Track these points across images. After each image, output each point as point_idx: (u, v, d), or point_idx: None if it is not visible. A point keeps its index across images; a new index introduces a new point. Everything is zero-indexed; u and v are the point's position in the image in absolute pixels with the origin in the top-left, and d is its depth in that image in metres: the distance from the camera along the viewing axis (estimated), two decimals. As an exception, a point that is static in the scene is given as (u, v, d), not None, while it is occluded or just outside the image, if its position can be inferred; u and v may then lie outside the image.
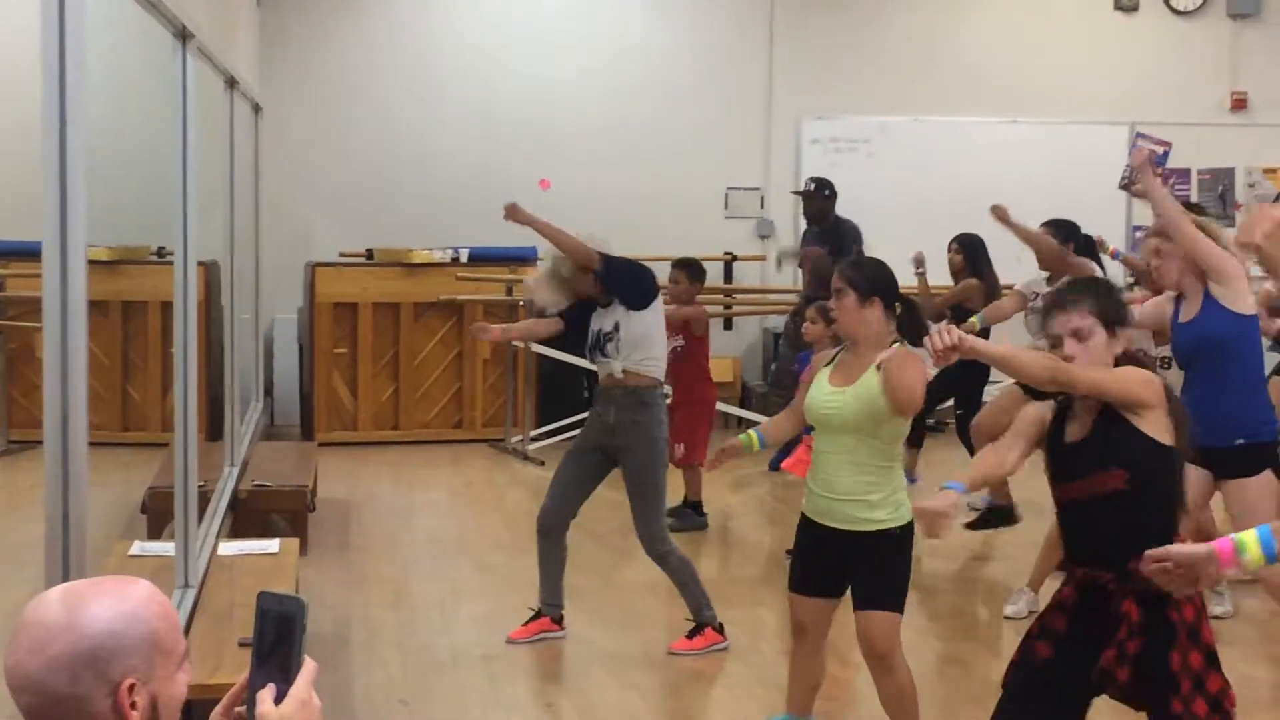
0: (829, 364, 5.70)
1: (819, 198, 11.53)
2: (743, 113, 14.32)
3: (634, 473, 7.36)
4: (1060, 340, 4.40)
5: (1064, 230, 9.09)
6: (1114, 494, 4.27)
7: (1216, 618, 7.84)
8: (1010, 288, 9.80)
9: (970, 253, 10.44)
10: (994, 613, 8.17)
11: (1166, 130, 14.75)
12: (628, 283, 7.39)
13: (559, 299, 7.50)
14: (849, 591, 5.69)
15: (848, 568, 5.60)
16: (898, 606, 5.53)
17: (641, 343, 7.35)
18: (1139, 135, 14.53)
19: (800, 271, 12.02)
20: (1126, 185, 14.11)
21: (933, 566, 9.04)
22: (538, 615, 7.55)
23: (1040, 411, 4.54)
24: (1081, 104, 14.57)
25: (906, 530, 5.50)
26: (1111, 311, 4.41)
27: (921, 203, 14.15)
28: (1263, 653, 7.62)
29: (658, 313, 7.46)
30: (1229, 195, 14.79)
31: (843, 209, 13.76)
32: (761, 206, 14.37)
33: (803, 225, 12.04)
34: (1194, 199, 14.71)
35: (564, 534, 7.53)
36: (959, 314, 10.21)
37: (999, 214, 9.01)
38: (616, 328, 7.35)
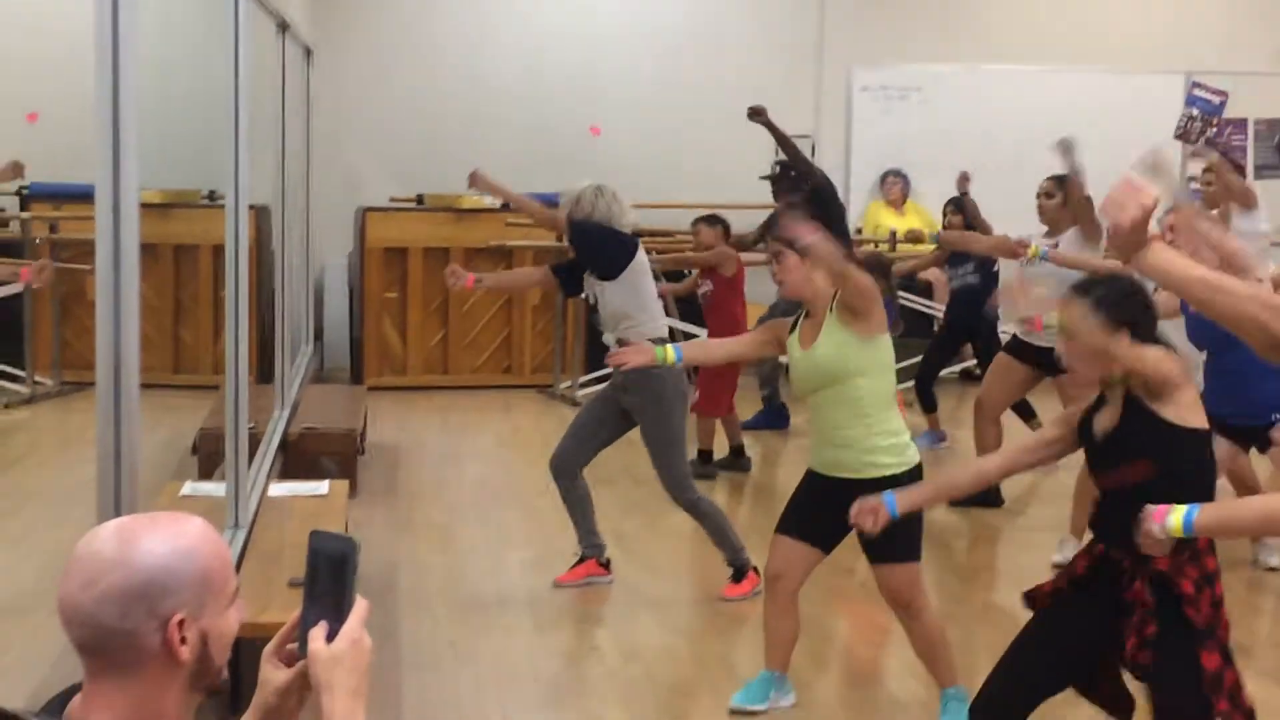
0: (793, 332, 5.70)
1: (786, 179, 11.18)
2: (793, 60, 14.25)
3: (647, 428, 7.38)
4: None
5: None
6: (1145, 483, 4.25)
7: (1272, 569, 7.85)
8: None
9: (969, 213, 10.58)
10: (1040, 561, 8.16)
11: (1223, 79, 14.67)
12: (593, 250, 7.38)
13: None
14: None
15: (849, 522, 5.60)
16: (914, 555, 5.53)
17: (622, 312, 7.37)
18: (1195, 85, 14.48)
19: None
20: (1182, 135, 14.03)
21: (976, 515, 9.03)
22: (583, 559, 7.58)
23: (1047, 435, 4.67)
24: (1136, 53, 14.43)
25: (913, 475, 5.49)
26: (1107, 312, 4.33)
27: (973, 151, 14.02)
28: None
29: (633, 282, 7.35)
30: (1286, 145, 14.66)
31: (893, 158, 13.74)
32: (812, 154, 14.26)
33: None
34: (1250, 150, 14.60)
35: (576, 476, 7.53)
36: (981, 264, 10.35)
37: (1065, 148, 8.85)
38: (597, 301, 7.43)
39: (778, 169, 11.19)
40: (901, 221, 13.64)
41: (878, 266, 5.73)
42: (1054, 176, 9.04)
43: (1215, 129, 14.63)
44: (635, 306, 7.34)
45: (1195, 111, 14.64)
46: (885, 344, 5.55)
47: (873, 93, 14.26)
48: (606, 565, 7.62)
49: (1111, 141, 14.06)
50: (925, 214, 13.58)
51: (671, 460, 7.37)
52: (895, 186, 13.93)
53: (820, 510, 5.61)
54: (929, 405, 10.73)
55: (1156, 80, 14.50)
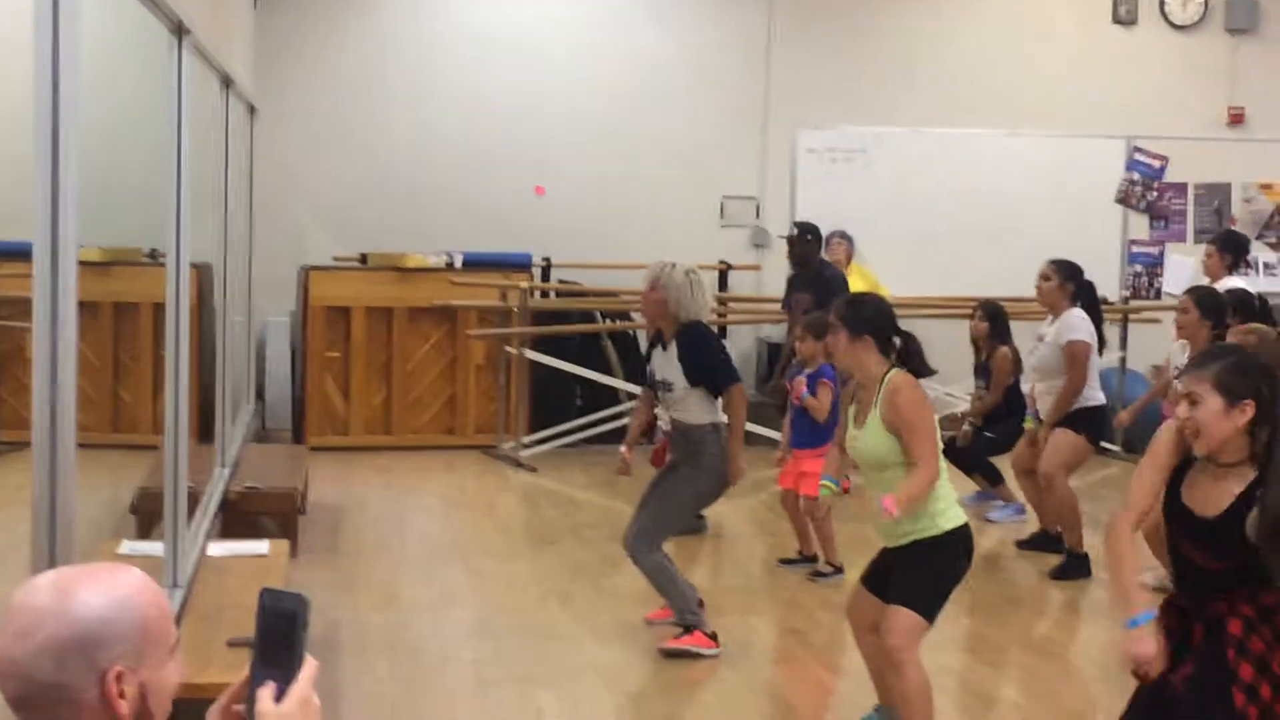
0: (852, 400, 5.91)
1: (802, 242, 11.58)
2: (739, 122, 14.29)
3: (674, 478, 7.48)
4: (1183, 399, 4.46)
5: (1065, 271, 9.26)
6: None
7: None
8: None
9: (995, 320, 10.49)
10: (1009, 634, 8.15)
11: (1164, 144, 14.85)
12: (703, 370, 7.39)
13: None
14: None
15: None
16: (918, 607, 5.61)
17: (685, 402, 7.43)
18: (1135, 149, 14.63)
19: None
20: (1123, 199, 14.15)
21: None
22: (687, 630, 7.45)
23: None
24: (1079, 117, 14.55)
25: (942, 539, 5.63)
26: (1233, 384, 4.37)
27: (917, 214, 14.15)
28: None
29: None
30: (1225, 210, 14.79)
31: (838, 219, 13.79)
32: (757, 216, 14.34)
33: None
34: (1190, 214, 14.75)
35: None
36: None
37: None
38: (669, 386, 7.45)
39: (794, 230, 11.74)
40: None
41: (911, 353, 5.86)
42: (1054, 260, 9.40)
43: (1155, 193, 14.78)
44: (696, 401, 7.41)
45: (1136, 175, 14.79)
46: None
47: (818, 154, 14.31)
48: (713, 637, 7.45)
49: (1053, 204, 14.21)
50: (870, 276, 13.61)
51: (663, 516, 7.45)
52: (840, 248, 13.95)
53: (884, 569, 5.85)
54: (993, 478, 10.69)
55: (1098, 144, 14.63)
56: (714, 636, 7.38)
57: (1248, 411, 4.34)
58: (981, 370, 10.56)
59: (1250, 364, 4.50)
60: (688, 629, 7.37)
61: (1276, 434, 4.35)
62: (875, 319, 5.77)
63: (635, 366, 12.53)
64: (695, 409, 7.39)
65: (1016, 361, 10.29)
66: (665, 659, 7.30)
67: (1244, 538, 4.29)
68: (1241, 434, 4.36)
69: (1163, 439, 4.56)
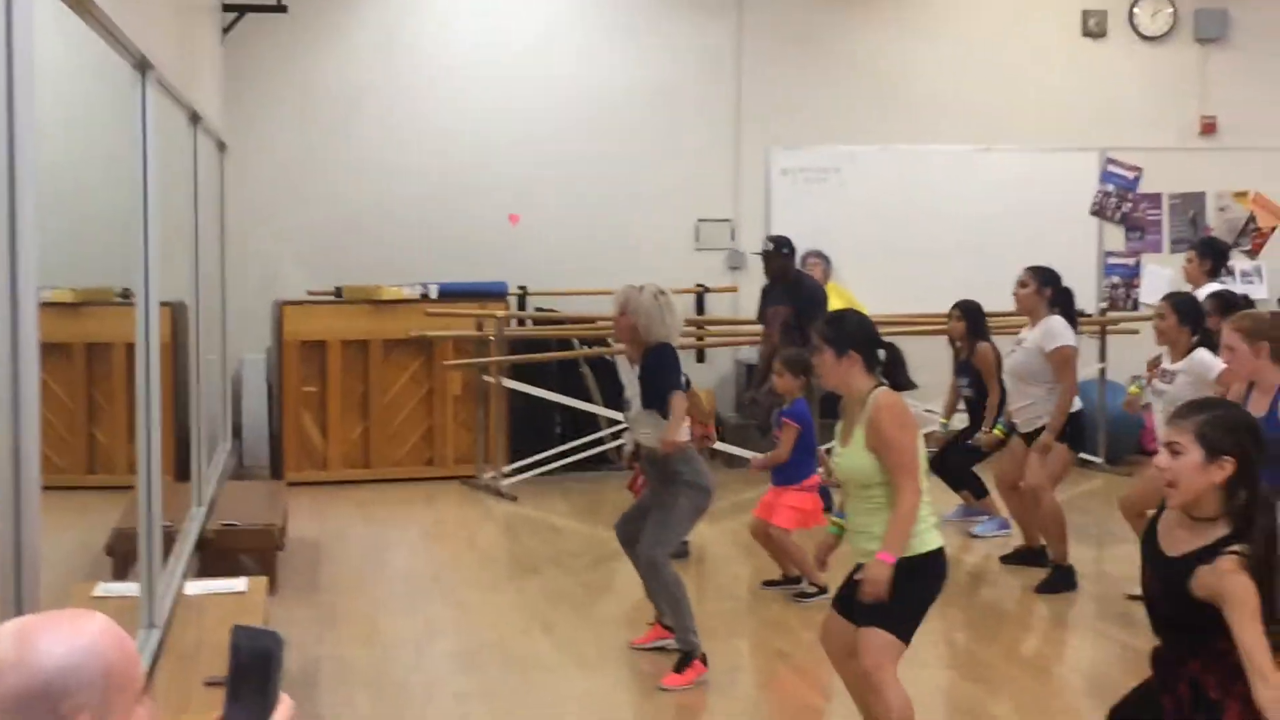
0: (843, 417, 5.84)
1: (778, 256, 11.53)
2: (712, 144, 14.27)
3: (667, 496, 7.43)
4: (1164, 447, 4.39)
5: (1042, 276, 9.30)
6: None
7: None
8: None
9: (972, 318, 10.54)
10: (996, 650, 8.10)
11: (1137, 155, 14.87)
12: (654, 393, 7.40)
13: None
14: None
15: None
16: (891, 627, 5.53)
17: (640, 422, 7.48)
18: (1109, 161, 14.64)
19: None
20: (1098, 210, 14.13)
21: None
22: (685, 660, 7.39)
23: None
24: (1051, 130, 14.56)
25: (915, 561, 5.52)
26: (1215, 438, 4.28)
27: (892, 231, 14.14)
28: None
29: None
30: (1200, 220, 14.79)
31: (813, 239, 13.78)
32: (732, 238, 14.31)
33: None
34: (1165, 224, 14.76)
35: (635, 542, 7.55)
36: (976, 379, 10.36)
37: None
38: (629, 404, 7.55)
39: (770, 245, 11.65)
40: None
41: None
42: (1030, 267, 9.45)
43: (1130, 204, 14.79)
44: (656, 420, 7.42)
45: (1110, 187, 14.79)
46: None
47: (791, 175, 14.30)
48: (705, 661, 7.42)
49: (1027, 218, 14.20)
50: (846, 295, 13.58)
51: (666, 526, 7.40)
52: (816, 268, 13.92)
53: (853, 590, 5.72)
54: (977, 491, 10.70)
55: (1071, 157, 14.63)
56: (704, 659, 7.33)
57: (1226, 468, 4.24)
58: (963, 369, 10.56)
59: (1235, 419, 4.42)
60: (685, 659, 7.28)
61: (1255, 497, 4.26)
62: (858, 333, 5.71)
63: (614, 392, 12.46)
64: (652, 431, 7.38)
65: (998, 356, 10.28)
66: (653, 686, 7.24)
67: (1188, 590, 4.22)
68: (1217, 490, 4.26)
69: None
